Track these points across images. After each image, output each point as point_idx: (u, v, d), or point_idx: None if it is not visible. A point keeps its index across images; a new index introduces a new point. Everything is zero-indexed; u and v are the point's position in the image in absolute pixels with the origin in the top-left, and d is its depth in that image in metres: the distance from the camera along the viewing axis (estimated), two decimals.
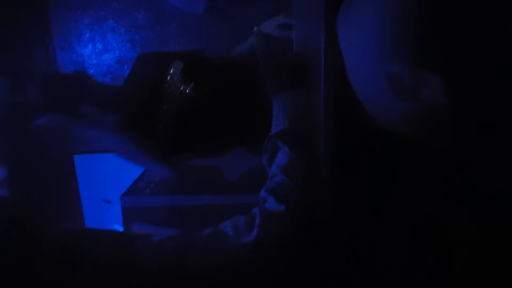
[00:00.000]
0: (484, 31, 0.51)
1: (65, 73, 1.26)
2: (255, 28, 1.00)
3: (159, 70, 1.24)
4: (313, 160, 0.83)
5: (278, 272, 0.76)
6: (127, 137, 1.22)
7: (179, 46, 1.90)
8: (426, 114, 0.56)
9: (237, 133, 1.21)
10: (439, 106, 0.54)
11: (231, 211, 0.88)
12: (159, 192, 1.26)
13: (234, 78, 1.18)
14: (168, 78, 1.23)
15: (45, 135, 1.22)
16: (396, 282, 0.74)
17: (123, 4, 2.03)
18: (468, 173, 0.67)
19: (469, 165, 0.66)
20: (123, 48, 2.01)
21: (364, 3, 0.59)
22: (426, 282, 0.72)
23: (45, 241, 0.74)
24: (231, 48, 1.29)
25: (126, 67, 2.00)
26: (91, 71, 2.02)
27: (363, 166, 0.73)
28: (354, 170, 0.73)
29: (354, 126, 0.70)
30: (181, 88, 1.21)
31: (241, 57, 1.21)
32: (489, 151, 0.60)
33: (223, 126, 1.19)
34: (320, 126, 0.74)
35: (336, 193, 0.76)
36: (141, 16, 2.10)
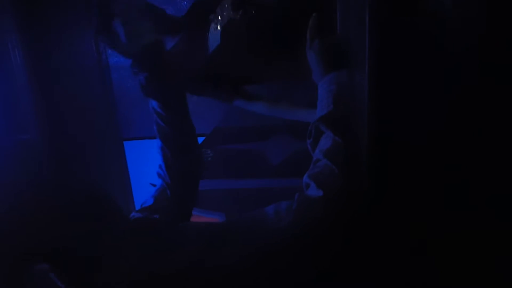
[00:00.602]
0: None
1: None
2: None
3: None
4: (356, 145, 0.82)
5: (309, 257, 0.77)
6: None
7: None
8: None
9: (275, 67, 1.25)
10: None
11: (275, 194, 0.90)
12: (204, 176, 1.29)
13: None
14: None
15: None
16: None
17: None
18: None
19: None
20: None
21: None
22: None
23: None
24: None
25: None
26: None
27: (405, 154, 0.72)
28: (396, 157, 0.72)
29: (398, 109, 0.69)
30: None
31: None
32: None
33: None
34: (364, 109, 0.73)
35: (376, 183, 0.75)
36: (185, 3, 2.13)
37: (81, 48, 2.07)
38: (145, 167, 2.09)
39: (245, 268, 0.74)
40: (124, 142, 2.23)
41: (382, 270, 0.77)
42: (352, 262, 0.80)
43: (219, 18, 1.32)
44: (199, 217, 1.47)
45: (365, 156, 0.76)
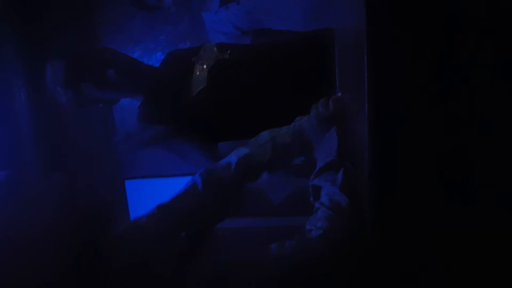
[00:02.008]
0: None
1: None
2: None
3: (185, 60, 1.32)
4: (357, 193, 0.82)
5: None
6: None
7: None
8: None
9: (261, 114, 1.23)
10: None
11: (277, 233, 0.89)
12: None
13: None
14: (198, 57, 1.31)
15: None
16: None
17: (170, 37, 2.14)
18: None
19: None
20: None
21: None
22: None
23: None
24: None
25: None
26: None
27: (410, 200, 0.72)
28: (400, 203, 0.72)
29: (399, 159, 0.70)
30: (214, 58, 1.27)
31: None
32: None
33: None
34: (365, 159, 0.74)
35: (380, 229, 0.75)
36: (187, 46, 2.19)
37: None
38: (145, 206, 2.08)
39: None
40: (126, 181, 2.24)
41: None
42: None
43: (203, 59, 1.31)
44: None
45: (366, 204, 0.76)
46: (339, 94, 1.01)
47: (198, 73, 1.30)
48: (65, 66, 1.19)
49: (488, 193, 0.68)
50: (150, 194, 2.24)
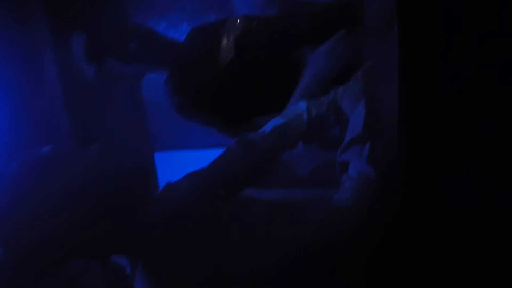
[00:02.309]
0: None
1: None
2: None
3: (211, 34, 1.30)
4: (383, 168, 0.81)
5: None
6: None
7: None
8: None
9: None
10: None
11: (302, 204, 0.89)
12: None
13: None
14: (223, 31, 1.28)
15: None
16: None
17: (196, 7, 2.11)
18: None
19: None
20: None
21: None
22: None
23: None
24: None
25: None
26: None
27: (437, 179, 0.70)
28: (427, 183, 0.70)
29: (428, 134, 0.68)
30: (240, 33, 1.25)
31: None
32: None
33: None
34: (393, 134, 0.72)
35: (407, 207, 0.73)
36: (213, 16, 2.16)
37: None
38: (175, 178, 2.11)
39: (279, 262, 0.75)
40: (155, 154, 2.28)
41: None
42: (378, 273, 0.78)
43: (229, 31, 1.29)
44: None
45: (392, 176, 0.74)
46: (369, 64, 0.98)
47: (224, 45, 1.28)
48: (87, 40, 1.21)
49: (489, 193, 0.66)
50: (179, 166, 2.27)
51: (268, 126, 1.07)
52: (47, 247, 0.75)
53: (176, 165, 2.28)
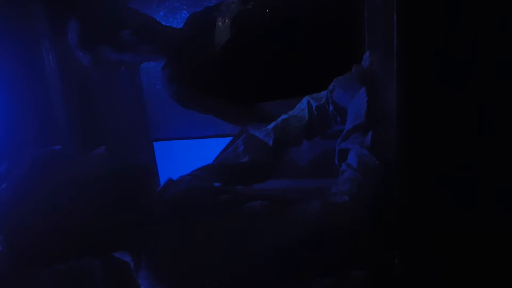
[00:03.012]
0: None
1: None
2: None
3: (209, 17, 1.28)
4: (384, 155, 0.81)
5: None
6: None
7: None
8: None
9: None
10: None
11: (301, 194, 0.89)
12: None
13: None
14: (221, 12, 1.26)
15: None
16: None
17: None
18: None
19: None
20: None
21: None
22: None
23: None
24: None
25: None
26: None
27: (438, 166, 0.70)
28: (425, 167, 0.70)
29: (428, 122, 0.67)
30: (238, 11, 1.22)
31: None
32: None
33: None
34: (393, 123, 0.72)
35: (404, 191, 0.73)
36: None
37: None
38: (174, 168, 2.12)
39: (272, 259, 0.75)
40: (154, 143, 2.28)
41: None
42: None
43: (226, 12, 1.25)
44: None
45: (393, 166, 0.74)
46: (368, 54, 0.97)
47: (220, 25, 1.25)
48: (80, 27, 1.19)
49: (490, 195, 0.66)
50: (178, 156, 2.27)
51: (272, 123, 1.08)
52: (52, 243, 0.76)
53: (175, 155, 2.28)
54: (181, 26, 1.40)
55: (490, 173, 0.66)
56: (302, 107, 1.07)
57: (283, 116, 1.08)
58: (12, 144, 1.63)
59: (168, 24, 1.45)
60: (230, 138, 1.99)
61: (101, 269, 1.55)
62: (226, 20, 1.24)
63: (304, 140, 1.10)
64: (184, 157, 2.23)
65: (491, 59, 0.62)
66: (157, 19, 1.36)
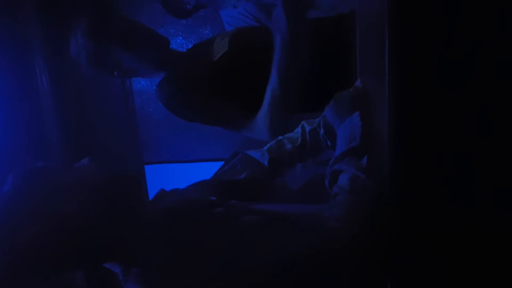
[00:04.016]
0: None
1: None
2: None
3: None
4: (377, 178, 0.81)
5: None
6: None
7: None
8: None
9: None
10: None
11: (293, 219, 0.88)
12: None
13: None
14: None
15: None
16: None
17: (190, 21, 2.13)
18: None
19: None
20: None
21: None
22: None
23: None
24: None
25: None
26: None
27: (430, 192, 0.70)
28: (417, 186, 0.70)
29: (419, 146, 0.68)
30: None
31: None
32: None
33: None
34: (384, 146, 0.72)
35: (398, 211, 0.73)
36: (207, 31, 2.18)
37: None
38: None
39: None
40: (145, 166, 2.26)
41: None
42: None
43: (225, 34, 1.27)
44: None
45: (387, 190, 0.74)
46: (359, 81, 0.99)
47: (219, 41, 1.27)
48: (89, 20, 1.19)
49: (489, 194, 0.67)
50: (169, 179, 2.26)
51: (267, 145, 1.11)
52: (41, 254, 0.75)
53: (167, 178, 2.27)
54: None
55: (487, 179, 0.66)
56: (297, 130, 1.10)
57: (278, 138, 1.10)
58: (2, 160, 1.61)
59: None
60: (222, 162, 1.99)
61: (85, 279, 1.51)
62: (225, 36, 1.26)
63: (298, 164, 1.11)
64: (175, 180, 2.21)
65: (484, 83, 0.64)
66: None
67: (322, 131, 1.04)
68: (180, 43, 2.21)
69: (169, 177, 2.28)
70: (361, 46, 0.98)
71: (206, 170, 1.98)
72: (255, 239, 0.77)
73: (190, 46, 1.80)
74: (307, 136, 1.08)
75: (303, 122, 1.11)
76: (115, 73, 1.26)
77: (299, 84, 1.12)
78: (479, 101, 0.65)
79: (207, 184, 1.04)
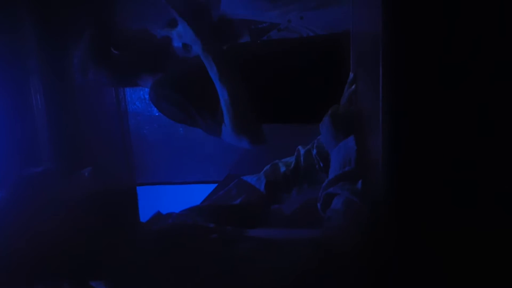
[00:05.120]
0: None
1: None
2: None
3: None
4: (371, 204, 0.80)
5: None
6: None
7: None
8: None
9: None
10: None
11: (288, 244, 0.87)
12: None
13: None
14: None
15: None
16: None
17: None
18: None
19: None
20: None
21: None
22: None
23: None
24: None
25: None
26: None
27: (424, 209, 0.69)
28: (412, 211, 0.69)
29: (414, 167, 0.67)
30: None
31: None
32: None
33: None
34: (378, 170, 0.72)
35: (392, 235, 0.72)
36: None
37: (101, 94, 2.13)
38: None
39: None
40: (138, 188, 2.23)
41: None
42: None
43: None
44: None
45: (382, 215, 0.73)
46: (354, 102, 0.99)
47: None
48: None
49: (490, 195, 0.66)
50: (161, 201, 2.23)
51: (263, 169, 1.12)
52: (31, 266, 0.73)
53: (159, 200, 2.24)
54: None
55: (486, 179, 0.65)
56: (293, 155, 1.11)
57: (274, 161, 1.11)
58: None
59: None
60: (214, 185, 1.97)
61: None
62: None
63: (294, 188, 1.11)
64: (168, 202, 2.19)
65: (479, 95, 0.63)
66: None
67: (314, 151, 1.04)
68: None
69: (161, 198, 2.25)
70: (354, 66, 0.98)
71: (198, 192, 1.96)
72: (251, 265, 0.76)
73: None
74: (301, 158, 1.09)
75: (298, 147, 1.12)
76: (114, 77, 1.27)
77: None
78: (474, 118, 0.64)
79: (202, 209, 1.04)
